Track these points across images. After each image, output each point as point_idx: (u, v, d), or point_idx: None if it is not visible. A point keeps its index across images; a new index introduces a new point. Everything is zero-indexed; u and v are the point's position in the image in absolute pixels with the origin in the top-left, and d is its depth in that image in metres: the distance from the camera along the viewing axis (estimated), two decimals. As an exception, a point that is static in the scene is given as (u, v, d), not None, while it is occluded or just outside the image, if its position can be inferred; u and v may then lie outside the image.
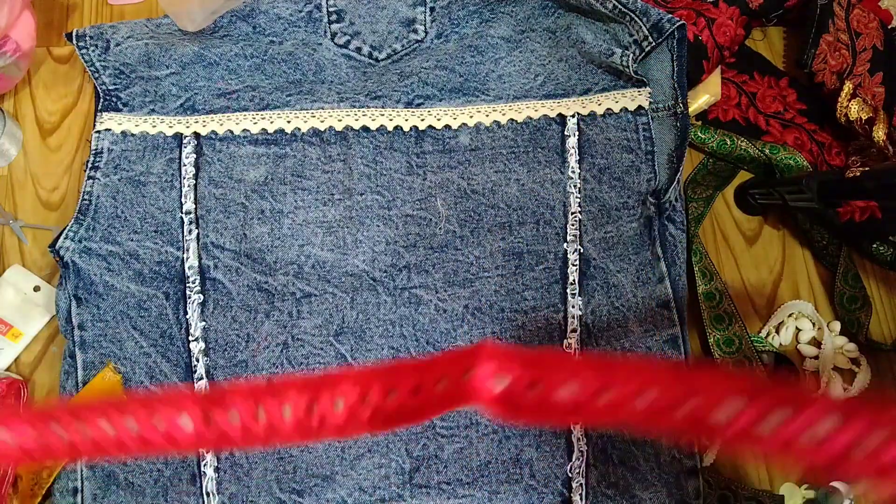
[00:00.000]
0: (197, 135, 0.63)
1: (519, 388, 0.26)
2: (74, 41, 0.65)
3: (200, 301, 0.60)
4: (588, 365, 0.26)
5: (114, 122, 0.64)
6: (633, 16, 0.63)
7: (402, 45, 0.67)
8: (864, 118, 0.64)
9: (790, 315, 0.64)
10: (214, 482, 0.56)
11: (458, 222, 0.62)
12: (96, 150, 0.63)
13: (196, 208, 0.62)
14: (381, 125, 0.64)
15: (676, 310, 0.59)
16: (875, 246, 0.64)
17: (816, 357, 0.63)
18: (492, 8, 0.67)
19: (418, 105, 0.64)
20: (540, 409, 0.26)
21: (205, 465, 0.57)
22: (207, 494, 0.56)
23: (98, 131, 0.63)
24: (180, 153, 0.63)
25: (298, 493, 0.56)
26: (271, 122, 0.64)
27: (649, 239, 0.61)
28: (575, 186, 0.62)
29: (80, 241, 0.59)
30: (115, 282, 0.59)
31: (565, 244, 0.61)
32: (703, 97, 0.67)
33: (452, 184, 0.63)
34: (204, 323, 0.59)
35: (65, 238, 0.59)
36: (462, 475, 0.57)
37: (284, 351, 0.59)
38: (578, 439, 0.57)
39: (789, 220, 0.67)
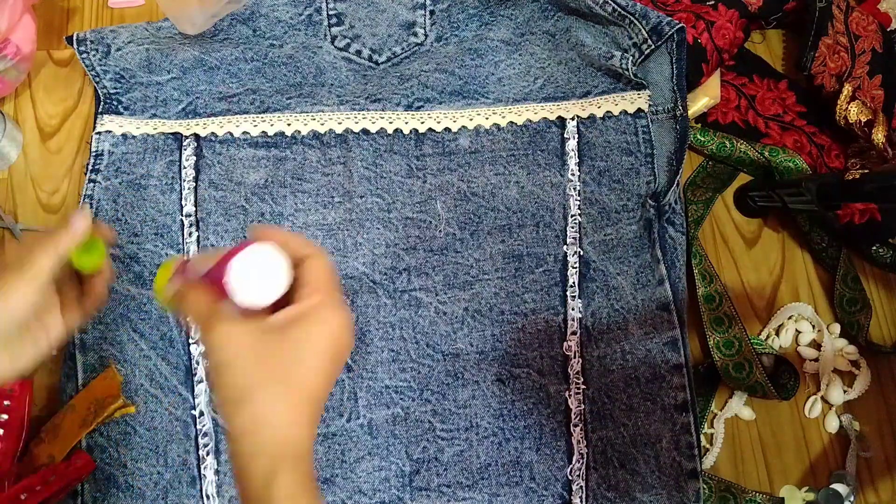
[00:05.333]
0: (197, 136, 0.63)
1: None
2: (75, 45, 0.65)
3: (200, 304, 0.59)
4: None
5: (114, 125, 0.64)
6: (632, 19, 0.63)
7: (402, 49, 0.67)
8: (863, 120, 0.64)
9: (790, 317, 0.64)
10: (214, 485, 0.56)
11: (457, 225, 0.62)
12: (97, 151, 0.63)
13: (196, 211, 0.62)
14: (381, 128, 0.64)
15: (676, 312, 0.59)
16: (875, 248, 0.64)
17: (816, 359, 0.63)
18: (491, 11, 0.67)
19: (418, 108, 0.65)
20: None
21: (205, 468, 0.57)
22: (207, 497, 0.56)
23: (98, 133, 0.63)
24: (180, 155, 0.63)
25: (298, 496, 0.56)
26: (271, 125, 0.64)
27: (649, 241, 0.61)
28: (574, 189, 0.62)
29: (80, 244, 0.59)
30: (115, 284, 0.59)
31: (565, 247, 0.61)
32: (703, 100, 0.67)
33: (452, 186, 0.63)
34: (204, 326, 0.59)
35: (65, 241, 0.59)
36: (462, 478, 0.57)
37: (284, 353, 0.59)
38: (578, 442, 0.57)
39: (789, 222, 0.67)
